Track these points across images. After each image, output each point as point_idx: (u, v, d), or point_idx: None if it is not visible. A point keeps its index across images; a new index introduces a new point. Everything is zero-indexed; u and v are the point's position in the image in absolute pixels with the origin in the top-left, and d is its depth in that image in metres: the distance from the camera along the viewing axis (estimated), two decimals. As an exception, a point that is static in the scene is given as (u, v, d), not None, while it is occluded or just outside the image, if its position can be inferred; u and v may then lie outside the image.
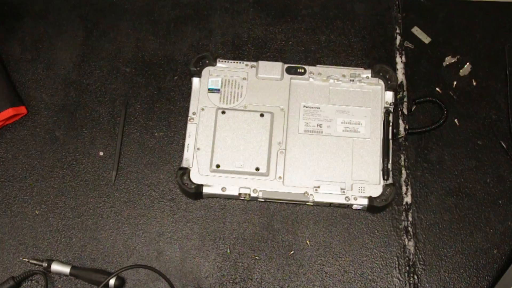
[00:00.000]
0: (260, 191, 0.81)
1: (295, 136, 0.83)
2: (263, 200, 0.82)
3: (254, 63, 0.87)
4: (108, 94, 0.90)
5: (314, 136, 0.83)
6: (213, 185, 0.81)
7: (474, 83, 0.90)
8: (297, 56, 0.92)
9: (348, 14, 0.95)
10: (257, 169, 0.81)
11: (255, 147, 0.82)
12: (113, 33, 0.94)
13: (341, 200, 0.80)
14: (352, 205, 0.80)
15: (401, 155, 0.86)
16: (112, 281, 0.76)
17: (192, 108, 0.85)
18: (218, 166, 0.81)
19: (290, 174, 0.82)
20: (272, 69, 0.87)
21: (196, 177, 0.81)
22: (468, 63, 0.91)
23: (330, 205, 0.82)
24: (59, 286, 0.79)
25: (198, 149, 0.82)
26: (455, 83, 0.90)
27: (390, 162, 0.82)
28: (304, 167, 0.82)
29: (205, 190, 0.80)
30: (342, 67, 0.88)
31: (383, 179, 0.81)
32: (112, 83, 0.90)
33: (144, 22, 0.94)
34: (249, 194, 0.80)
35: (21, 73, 0.91)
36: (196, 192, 0.80)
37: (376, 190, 0.80)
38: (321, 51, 0.93)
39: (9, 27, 0.94)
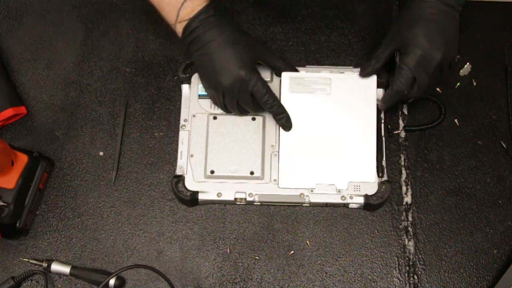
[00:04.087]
0: (255, 194, 0.80)
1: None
2: (259, 203, 0.82)
3: None
4: (108, 94, 0.90)
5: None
6: (208, 191, 0.80)
7: (474, 83, 0.90)
8: (297, 56, 0.92)
9: (348, 14, 0.95)
10: (252, 173, 0.81)
11: (249, 151, 0.82)
12: (113, 33, 0.94)
13: (337, 200, 0.80)
14: (348, 204, 0.80)
15: (401, 155, 0.86)
16: (112, 281, 0.76)
17: (183, 115, 0.84)
18: (212, 172, 0.81)
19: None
20: (261, 71, 0.86)
21: (191, 184, 0.81)
22: (468, 63, 0.91)
23: (326, 205, 0.82)
24: (59, 286, 0.79)
25: (192, 155, 0.82)
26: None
27: (384, 159, 0.82)
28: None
29: (201, 196, 0.80)
30: (331, 66, 0.87)
31: (378, 176, 0.81)
32: (112, 83, 0.90)
33: (144, 22, 0.94)
34: (245, 199, 0.80)
35: (21, 73, 0.91)
36: (192, 199, 0.80)
37: (371, 188, 0.80)
38: (321, 51, 0.93)
39: (9, 27, 0.94)
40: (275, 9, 0.96)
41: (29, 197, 0.80)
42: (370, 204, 0.80)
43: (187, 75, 0.86)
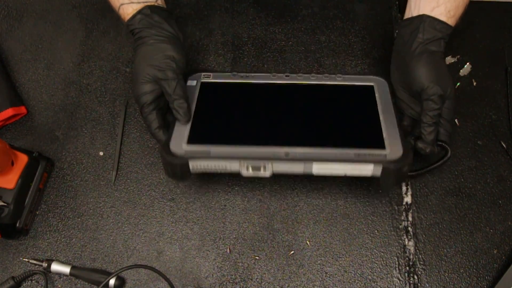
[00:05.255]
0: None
1: None
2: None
3: None
4: (108, 94, 0.90)
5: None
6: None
7: (474, 83, 0.90)
8: (297, 56, 0.92)
9: (348, 14, 0.95)
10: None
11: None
12: (113, 33, 0.94)
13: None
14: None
15: (401, 155, 0.86)
16: (112, 281, 0.76)
17: None
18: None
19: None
20: None
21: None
22: (468, 63, 0.91)
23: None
24: (59, 286, 0.79)
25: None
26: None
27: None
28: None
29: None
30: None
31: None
32: (112, 83, 0.90)
33: (144, 22, 0.94)
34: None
35: (21, 73, 0.91)
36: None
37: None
38: (321, 51, 0.93)
39: (9, 27, 0.94)
40: (275, 9, 0.96)
41: (29, 197, 0.80)
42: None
43: None
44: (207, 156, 0.71)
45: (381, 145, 0.73)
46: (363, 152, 0.71)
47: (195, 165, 0.72)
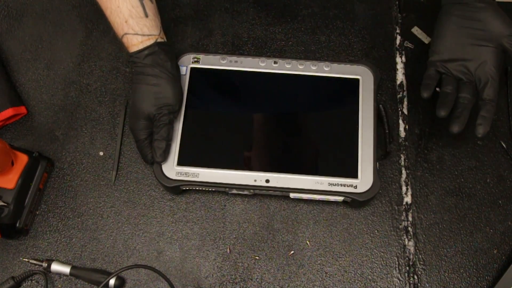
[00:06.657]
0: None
1: None
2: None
3: None
4: (108, 94, 0.90)
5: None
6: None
7: (474, 83, 0.90)
8: (297, 56, 0.92)
9: (348, 14, 0.95)
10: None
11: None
12: (113, 33, 0.93)
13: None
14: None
15: (401, 155, 0.86)
16: (112, 281, 0.76)
17: None
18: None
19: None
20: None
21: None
22: (468, 63, 0.91)
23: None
24: (59, 286, 0.79)
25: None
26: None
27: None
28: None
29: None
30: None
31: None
32: (112, 83, 0.90)
33: (144, 22, 0.94)
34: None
35: (21, 73, 0.91)
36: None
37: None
38: (321, 51, 0.93)
39: (9, 27, 0.94)
40: (275, 9, 0.96)
41: (29, 197, 0.80)
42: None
43: None
44: (196, 182, 0.79)
45: (354, 174, 0.79)
46: (336, 181, 0.79)
47: (186, 187, 0.81)
